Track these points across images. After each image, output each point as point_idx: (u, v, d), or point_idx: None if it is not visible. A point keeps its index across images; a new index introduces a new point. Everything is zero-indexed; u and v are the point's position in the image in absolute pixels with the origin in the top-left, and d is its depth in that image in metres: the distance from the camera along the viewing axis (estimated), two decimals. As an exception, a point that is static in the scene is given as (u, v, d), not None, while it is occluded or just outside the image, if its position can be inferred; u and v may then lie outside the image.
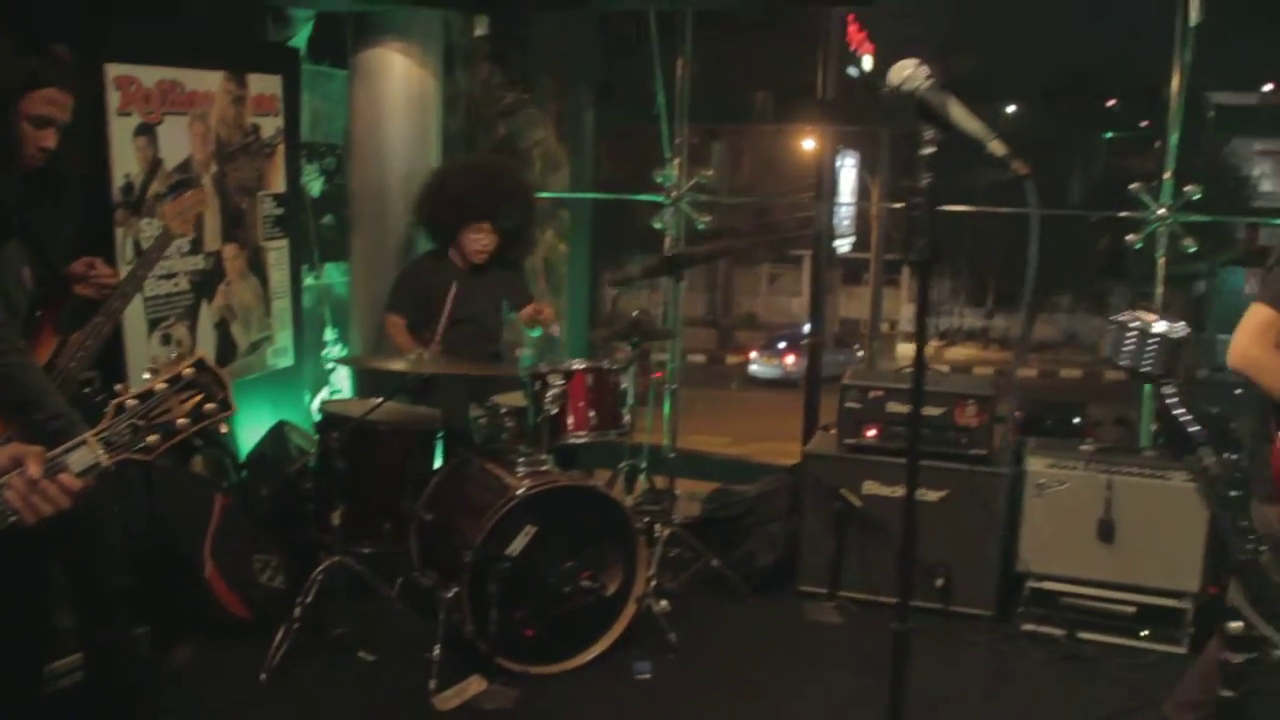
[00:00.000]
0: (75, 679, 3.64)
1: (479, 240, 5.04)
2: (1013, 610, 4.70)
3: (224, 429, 2.44)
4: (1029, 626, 4.63)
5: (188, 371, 1.83)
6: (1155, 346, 1.96)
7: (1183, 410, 1.91)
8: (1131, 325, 1.98)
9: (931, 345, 25.93)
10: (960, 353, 25.85)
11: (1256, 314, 2.90)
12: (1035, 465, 4.70)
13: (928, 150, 2.13)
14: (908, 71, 2.17)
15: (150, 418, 1.80)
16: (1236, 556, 1.85)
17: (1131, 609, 4.55)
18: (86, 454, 1.75)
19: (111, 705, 3.41)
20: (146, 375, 1.85)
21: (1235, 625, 1.83)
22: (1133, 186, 5.20)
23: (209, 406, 1.84)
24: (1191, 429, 1.88)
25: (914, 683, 3.65)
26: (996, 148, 2.09)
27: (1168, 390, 1.94)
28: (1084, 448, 4.71)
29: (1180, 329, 1.96)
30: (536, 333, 5.16)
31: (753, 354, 24.34)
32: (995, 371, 23.06)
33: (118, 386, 1.79)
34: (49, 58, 3.03)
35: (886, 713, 2.54)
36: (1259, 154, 23.76)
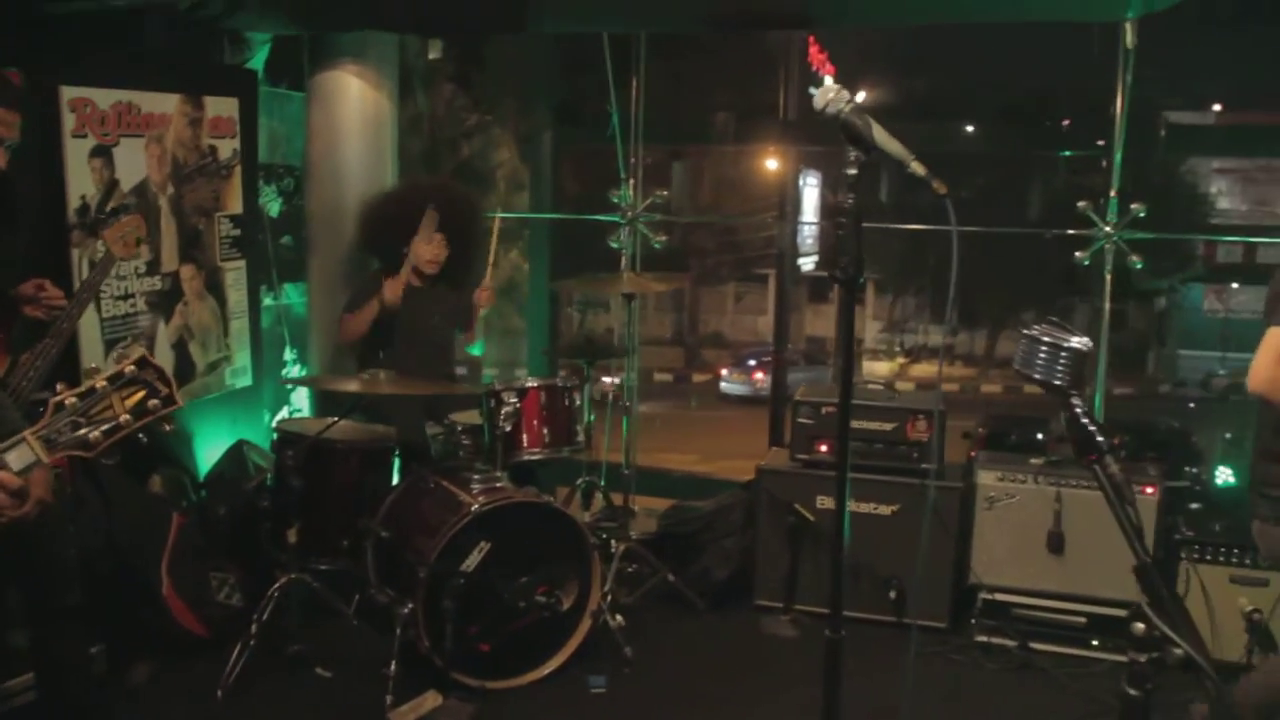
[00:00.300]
0: (28, 698, 3.64)
1: (431, 249, 5.03)
2: (965, 622, 4.75)
3: (169, 426, 2.45)
4: (981, 638, 4.68)
5: (129, 368, 1.83)
6: (1067, 360, 2.04)
7: (1089, 420, 1.98)
8: (1044, 339, 2.06)
9: (896, 362, 26.23)
10: (925, 370, 26.01)
11: (1273, 338, 3.11)
12: (985, 479, 4.76)
13: (852, 171, 2.20)
14: (831, 95, 2.24)
15: (91, 415, 1.80)
16: (1138, 558, 1.91)
17: (1082, 619, 4.62)
18: (25, 451, 1.77)
19: (65, 721, 3.42)
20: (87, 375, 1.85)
21: (1138, 626, 1.90)
22: (1080, 204, 5.29)
23: (152, 403, 1.83)
24: (1099, 437, 1.96)
25: (868, 693, 3.73)
26: (917, 168, 2.16)
27: (1076, 401, 2.02)
28: (1033, 461, 4.79)
29: (1086, 343, 2.04)
30: (478, 350, 5.20)
31: (723, 371, 24.48)
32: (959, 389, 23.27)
33: (58, 385, 1.81)
34: None
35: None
36: (1216, 172, 24.10)
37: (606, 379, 6.31)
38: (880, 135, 2.18)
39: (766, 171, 17.24)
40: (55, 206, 4.46)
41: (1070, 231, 5.42)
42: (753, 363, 23.60)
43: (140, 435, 2.81)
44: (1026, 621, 4.67)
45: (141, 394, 1.84)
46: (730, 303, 28.07)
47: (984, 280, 19.38)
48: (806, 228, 21.68)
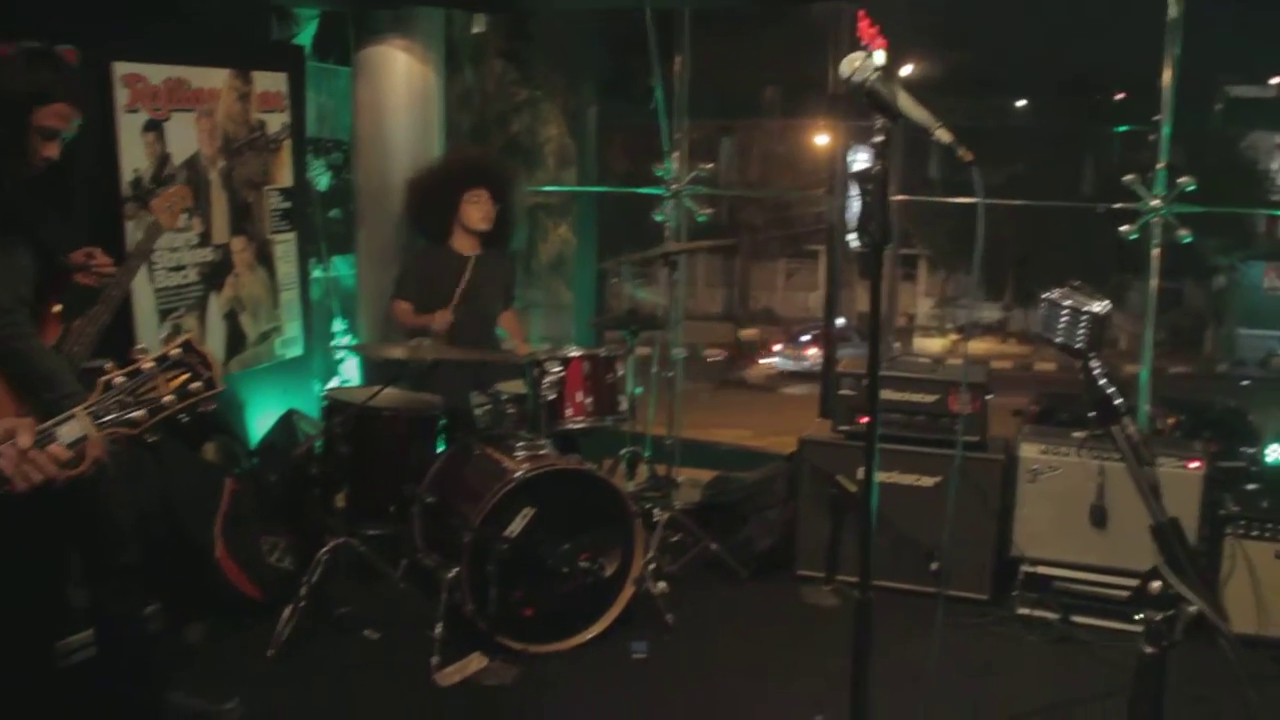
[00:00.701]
0: (88, 654, 3.75)
1: (480, 207, 5.17)
2: (1007, 594, 4.75)
3: (209, 407, 2.47)
4: (1023, 610, 4.68)
5: (175, 351, 1.90)
6: (1086, 323, 2.05)
7: (1107, 381, 2.00)
8: (1064, 304, 2.08)
9: (949, 338, 26.03)
10: (978, 346, 25.80)
11: None
12: (1028, 451, 4.75)
13: (878, 138, 2.22)
14: (858, 63, 2.26)
15: (137, 394, 1.87)
16: (1155, 519, 1.93)
17: (1124, 593, 4.59)
18: (76, 426, 1.84)
19: (122, 679, 3.52)
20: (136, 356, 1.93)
21: (1155, 585, 1.92)
22: (1127, 178, 5.25)
23: (195, 385, 1.90)
24: (1116, 400, 1.98)
25: (907, 663, 3.75)
26: (943, 135, 2.18)
27: (1094, 364, 2.04)
28: (1076, 434, 4.76)
29: (1106, 306, 2.05)
30: (503, 334, 5.31)
31: (775, 347, 24.44)
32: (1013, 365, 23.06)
33: (106, 364, 1.88)
34: (61, 72, 3.15)
35: (850, 680, 2.60)
36: (1279, 147, 23.62)
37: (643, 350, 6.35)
38: (905, 102, 2.20)
39: (815, 146, 17.16)
40: (109, 180, 4.56)
41: (1117, 205, 5.36)
42: (805, 338, 23.53)
43: (182, 416, 2.88)
44: (1068, 594, 4.66)
45: (185, 377, 1.91)
46: (781, 279, 27.98)
47: (1037, 257, 19.16)
48: (856, 203, 21.56)
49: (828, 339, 7.44)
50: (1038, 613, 4.68)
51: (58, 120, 3.11)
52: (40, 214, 3.24)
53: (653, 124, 6.09)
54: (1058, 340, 2.07)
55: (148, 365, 1.88)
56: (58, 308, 3.41)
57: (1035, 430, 4.94)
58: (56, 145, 3.14)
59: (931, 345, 25.36)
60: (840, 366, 5.08)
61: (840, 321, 23.56)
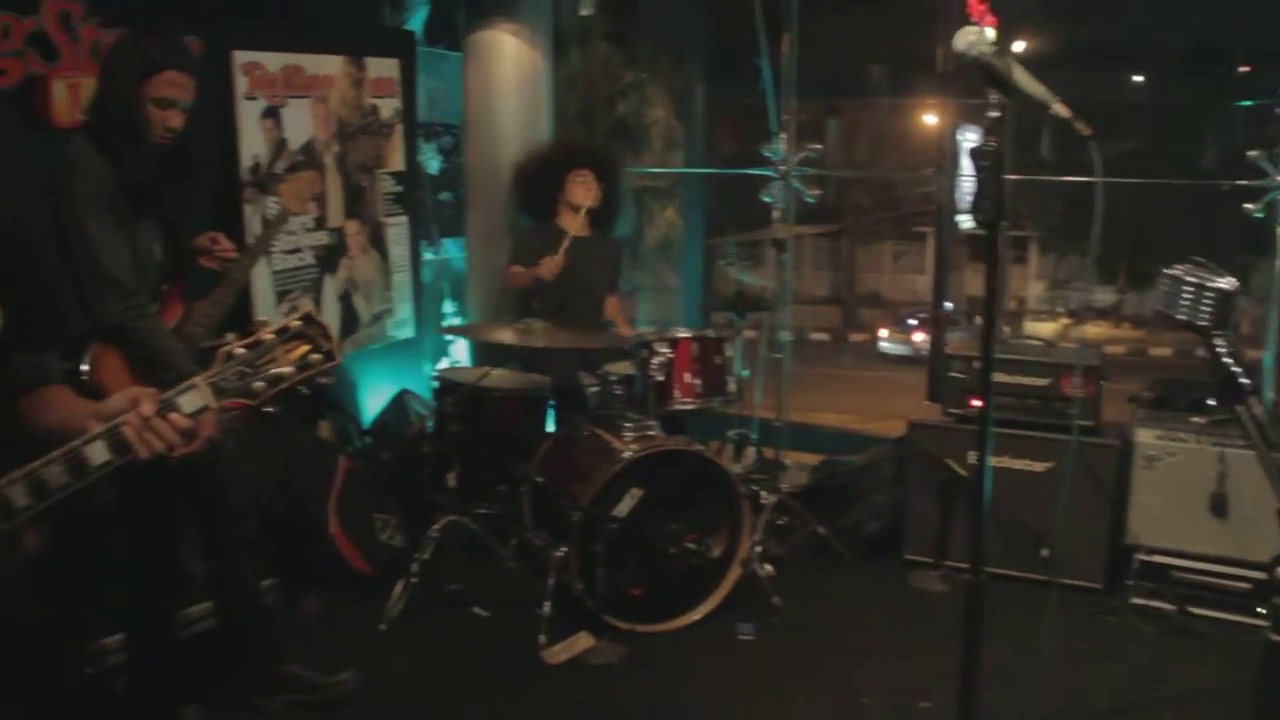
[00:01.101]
0: (207, 625, 3.88)
1: (585, 186, 5.25)
2: (1121, 583, 4.65)
3: (327, 379, 2.53)
4: (1138, 600, 4.57)
5: (295, 324, 1.92)
6: (1211, 300, 1.99)
7: (1232, 360, 1.93)
8: (1188, 279, 2.02)
9: (1061, 323, 25.45)
10: (1091, 331, 25.21)
11: None
12: (1144, 437, 4.63)
13: (994, 114, 2.18)
14: (972, 37, 2.22)
15: (257, 365, 1.89)
16: (1281, 500, 1.87)
17: (1245, 584, 4.46)
18: (196, 396, 1.87)
19: (239, 649, 3.65)
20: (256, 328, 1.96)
21: (1280, 571, 1.86)
22: (1252, 154, 5.07)
23: (314, 357, 1.92)
24: (1242, 379, 1.91)
25: (1017, 651, 3.70)
26: (1060, 110, 2.14)
27: (1219, 342, 1.97)
28: (1195, 420, 4.63)
29: (1233, 282, 1.99)
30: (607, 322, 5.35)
31: (881, 331, 24.16)
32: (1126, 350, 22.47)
33: (228, 335, 1.92)
34: (167, 43, 3.24)
35: (961, 667, 2.57)
36: None
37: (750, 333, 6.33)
38: (1021, 77, 2.16)
39: (924, 126, 16.91)
40: (229, 166, 4.69)
41: (1241, 182, 5.18)
42: (912, 322, 23.22)
43: (301, 387, 2.94)
44: (1186, 585, 4.54)
45: (305, 348, 1.92)
46: (888, 261, 27.63)
47: (1154, 238, 18.58)
48: (966, 183, 21.19)
49: (936, 322, 7.34)
50: (1153, 603, 4.56)
51: (171, 89, 3.20)
52: (165, 194, 3.33)
53: (759, 104, 6.05)
54: (1180, 317, 2.01)
55: (268, 337, 1.90)
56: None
57: (1151, 415, 4.81)
58: (177, 114, 3.22)
59: (1042, 329, 24.81)
60: (950, 348, 4.99)
61: (947, 305, 23.29)
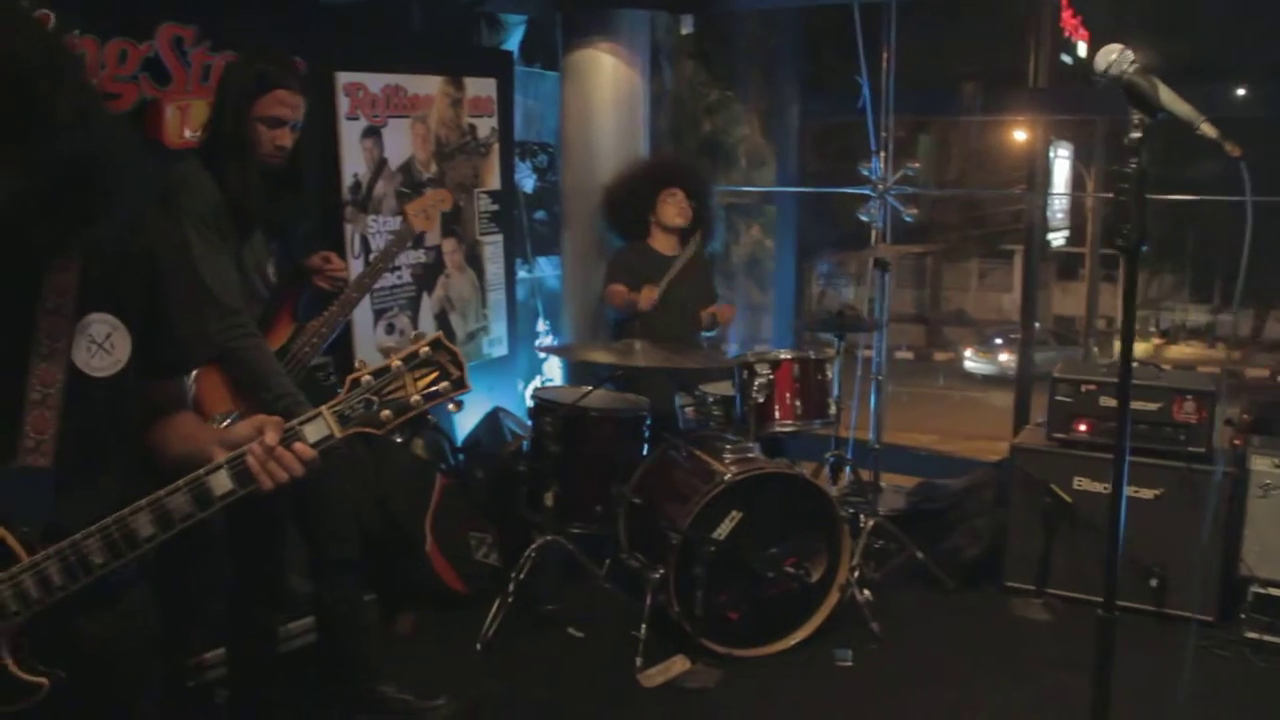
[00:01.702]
0: (308, 639, 3.91)
1: (676, 205, 5.25)
2: (1235, 616, 4.50)
3: (455, 407, 2.47)
4: (1252, 634, 4.42)
5: (424, 350, 1.85)
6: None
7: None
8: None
9: (1152, 342, 24.93)
10: (1183, 351, 24.65)
11: None
12: (1260, 465, 4.49)
13: (1136, 135, 2.10)
14: (1114, 56, 2.15)
15: (384, 394, 1.83)
16: None
17: (1363, 618, 4.32)
18: (321, 426, 1.82)
19: (340, 664, 3.66)
20: (382, 354, 1.91)
21: None
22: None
23: (443, 385, 1.85)
24: None
25: (1124, 683, 3.57)
26: (1208, 130, 2.06)
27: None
28: (1312, 447, 4.49)
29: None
30: (710, 333, 5.31)
31: (968, 351, 23.91)
32: (1222, 371, 21.90)
33: (357, 362, 1.88)
34: (278, 62, 3.27)
35: (1091, 704, 2.48)
36: None
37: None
38: (1167, 96, 2.09)
39: (1014, 143, 16.65)
40: (331, 185, 4.74)
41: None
42: (999, 341, 22.94)
43: (430, 416, 2.94)
44: (1303, 619, 4.40)
45: (434, 375, 1.85)
46: (974, 279, 27.27)
47: (1251, 256, 18.09)
48: (1057, 201, 20.90)
49: (1025, 342, 7.21)
50: (1268, 637, 4.41)
51: (281, 108, 3.22)
52: (277, 213, 3.36)
53: (846, 122, 5.99)
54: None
55: (395, 364, 1.84)
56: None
57: (1267, 442, 4.66)
58: (287, 133, 3.25)
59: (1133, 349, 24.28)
60: (1057, 371, 4.88)
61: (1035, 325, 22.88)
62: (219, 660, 3.72)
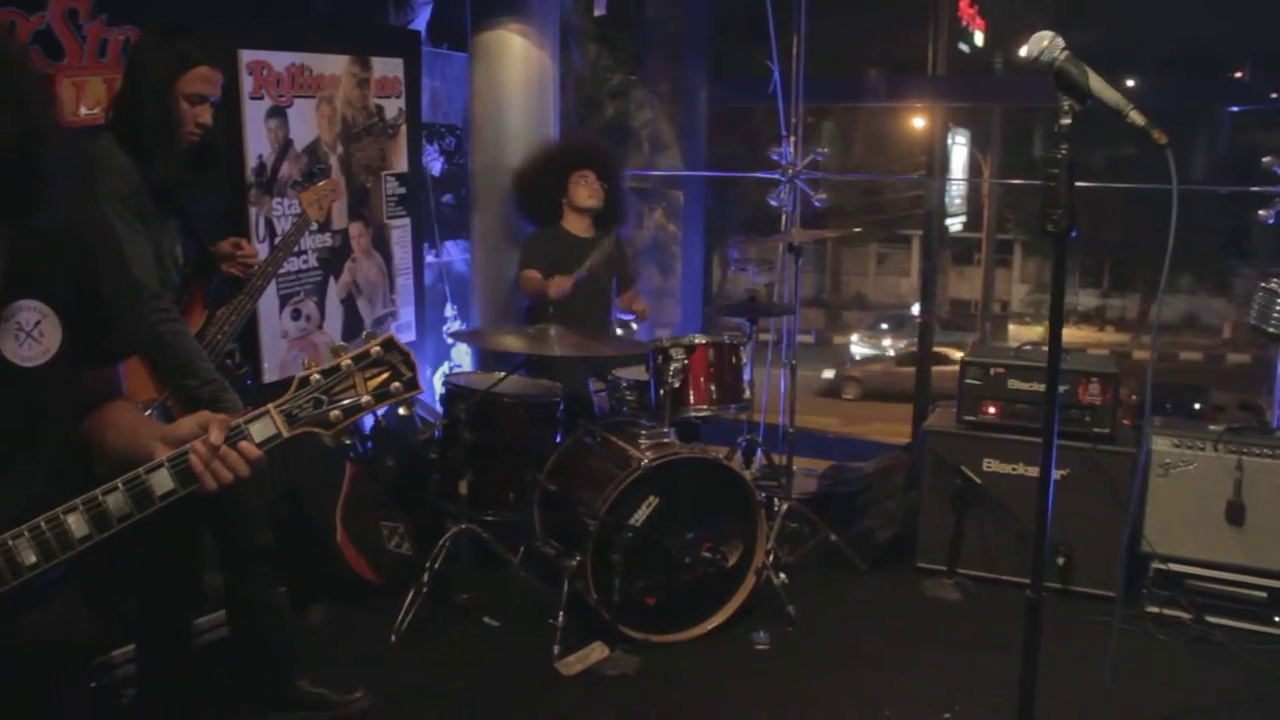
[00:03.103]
0: (219, 634, 3.82)
1: (588, 186, 5.25)
2: (1137, 592, 4.61)
3: (406, 410, 2.46)
4: (1154, 609, 4.55)
5: (375, 349, 1.81)
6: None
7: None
8: (1282, 292, 1.97)
9: (1044, 326, 25.53)
10: (1075, 334, 25.29)
11: None
12: (1161, 445, 4.61)
13: (1065, 121, 2.12)
14: (1045, 43, 2.17)
15: (333, 393, 1.79)
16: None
17: (1263, 594, 4.45)
18: (268, 424, 1.77)
19: (254, 658, 3.58)
20: (332, 353, 1.84)
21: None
22: (1266, 160, 5.07)
23: (394, 385, 1.82)
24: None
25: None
26: (1136, 117, 2.08)
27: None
28: (1213, 428, 4.61)
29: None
30: (628, 316, 5.30)
31: (854, 336, 24.27)
32: (1111, 353, 22.52)
33: (305, 361, 1.82)
34: (197, 39, 3.19)
35: (1019, 682, 2.52)
36: None
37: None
38: (1097, 84, 2.11)
39: (913, 129, 16.88)
40: (235, 166, 4.60)
41: (1254, 188, 5.19)
42: (884, 326, 23.41)
43: (379, 418, 2.88)
44: (1202, 594, 4.52)
45: (385, 376, 1.82)
46: (873, 264, 27.64)
47: (1140, 243, 18.64)
48: (955, 187, 21.29)
49: (924, 326, 7.34)
50: (1169, 611, 4.54)
51: (203, 84, 3.20)
52: (190, 196, 3.27)
53: (747, 107, 6.02)
54: (1271, 330, 1.96)
55: (345, 363, 1.80)
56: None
57: (1168, 423, 4.78)
58: (207, 109, 3.21)
59: (1026, 333, 24.87)
60: (965, 355, 4.96)
61: (915, 309, 23.41)
62: (126, 658, 3.60)
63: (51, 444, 1.76)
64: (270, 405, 1.76)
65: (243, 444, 1.73)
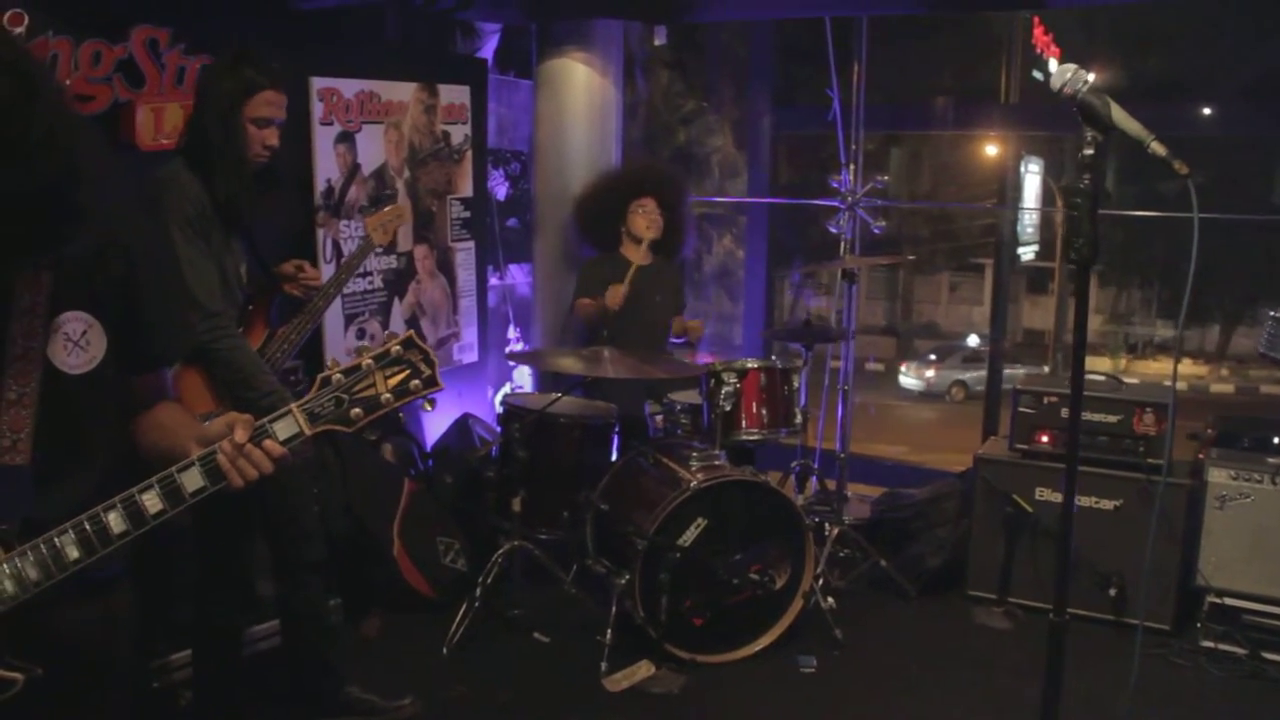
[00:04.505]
0: (273, 643, 3.93)
1: (647, 216, 5.26)
2: (1191, 625, 4.57)
3: (429, 406, 2.49)
4: (1208, 643, 4.49)
5: (395, 348, 1.85)
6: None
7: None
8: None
9: (1122, 359, 25.13)
10: (1151, 366, 24.87)
11: None
12: (1217, 477, 4.56)
13: (1089, 152, 2.16)
14: (1069, 75, 2.21)
15: (354, 392, 1.83)
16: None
17: (1320, 629, 4.40)
18: (290, 423, 1.82)
19: (304, 668, 3.68)
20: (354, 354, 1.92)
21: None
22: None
23: (414, 383, 1.86)
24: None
25: (1083, 692, 3.63)
26: (1157, 148, 2.11)
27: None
28: (1271, 460, 4.55)
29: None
30: (680, 340, 5.34)
31: (903, 367, 24.05)
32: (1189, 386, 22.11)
33: (329, 361, 1.89)
34: (262, 66, 3.32)
35: (1041, 703, 2.53)
36: None
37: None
38: (1119, 115, 2.14)
39: (985, 157, 16.79)
40: (304, 189, 4.76)
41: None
42: (932, 358, 23.21)
43: (400, 415, 2.94)
44: (1258, 629, 4.45)
45: (405, 374, 1.85)
46: (945, 292, 27.43)
47: (1218, 272, 18.29)
48: (1027, 215, 21.08)
49: (994, 355, 7.30)
50: (1223, 646, 4.48)
51: (269, 109, 3.31)
52: (255, 217, 3.40)
53: (819, 134, 6.06)
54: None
55: (366, 362, 1.84)
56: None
57: (1224, 455, 4.73)
58: (274, 132, 3.33)
59: (1101, 364, 24.50)
60: (1019, 383, 4.95)
61: (973, 340, 23.21)
62: (184, 662, 3.73)
63: (100, 446, 1.87)
64: (293, 404, 1.82)
65: (267, 442, 1.80)
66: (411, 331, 1.91)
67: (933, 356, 23.28)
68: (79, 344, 1.80)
